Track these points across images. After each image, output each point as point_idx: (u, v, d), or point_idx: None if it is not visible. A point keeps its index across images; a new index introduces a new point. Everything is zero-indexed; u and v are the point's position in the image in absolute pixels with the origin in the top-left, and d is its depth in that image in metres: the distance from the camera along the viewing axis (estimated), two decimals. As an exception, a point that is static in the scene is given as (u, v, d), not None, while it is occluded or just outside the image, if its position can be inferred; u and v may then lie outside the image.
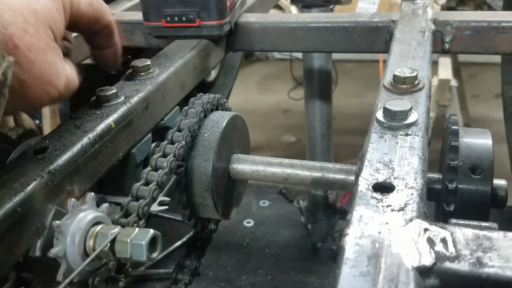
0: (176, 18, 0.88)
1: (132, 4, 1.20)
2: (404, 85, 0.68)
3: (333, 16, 1.02)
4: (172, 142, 0.71)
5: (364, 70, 4.14)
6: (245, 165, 0.79)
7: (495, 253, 0.40)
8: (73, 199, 0.55)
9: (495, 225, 0.46)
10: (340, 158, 2.51)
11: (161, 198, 0.80)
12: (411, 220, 0.44)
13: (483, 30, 0.91)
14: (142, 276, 1.47)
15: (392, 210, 0.46)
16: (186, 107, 0.76)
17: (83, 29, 0.65)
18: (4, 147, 0.84)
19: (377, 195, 0.48)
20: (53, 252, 0.52)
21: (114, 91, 0.72)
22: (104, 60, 0.72)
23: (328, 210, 1.68)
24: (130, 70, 0.80)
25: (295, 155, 2.86)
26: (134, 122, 0.71)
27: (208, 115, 0.78)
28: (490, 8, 3.90)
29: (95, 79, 0.87)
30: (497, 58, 2.31)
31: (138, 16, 1.03)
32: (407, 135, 0.58)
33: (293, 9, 3.02)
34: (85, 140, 0.62)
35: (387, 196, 0.48)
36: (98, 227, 0.56)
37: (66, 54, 0.63)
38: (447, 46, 0.94)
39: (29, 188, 0.53)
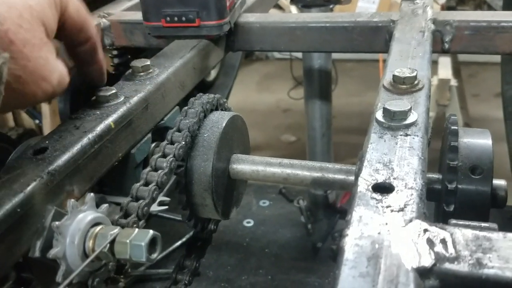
0: (175, 18, 0.88)
1: (132, 4, 1.20)
2: (404, 85, 0.68)
3: (332, 16, 1.02)
4: (171, 142, 0.71)
5: (364, 69, 4.13)
6: (245, 165, 0.79)
7: (495, 254, 0.40)
8: (72, 200, 0.55)
9: (495, 225, 0.46)
10: (340, 157, 2.51)
11: (161, 198, 0.80)
12: (410, 220, 0.44)
13: (483, 29, 0.91)
14: (142, 276, 1.47)
15: (392, 210, 0.45)
16: (186, 107, 0.76)
17: (67, 36, 0.65)
18: (4, 147, 0.84)
19: (377, 196, 0.48)
20: (52, 253, 0.52)
21: (113, 91, 0.72)
22: (89, 77, 0.72)
23: (328, 209, 1.68)
24: (130, 70, 0.80)
25: (295, 154, 2.86)
26: (133, 122, 0.71)
27: (207, 115, 0.78)
28: (490, 7, 3.89)
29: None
30: (497, 58, 2.30)
31: (137, 16, 1.03)
32: (406, 135, 0.57)
33: (293, 9, 3.02)
34: (84, 141, 0.62)
35: (386, 196, 0.47)
36: (98, 228, 0.56)
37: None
38: (446, 46, 0.94)
39: (28, 188, 0.53)
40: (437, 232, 0.42)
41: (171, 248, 1.54)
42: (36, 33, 0.55)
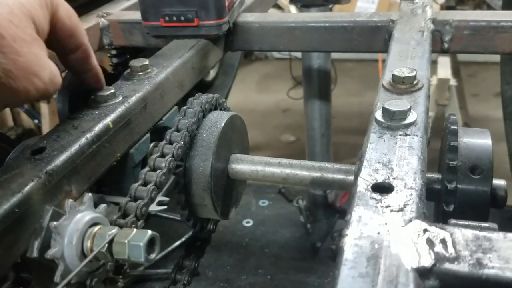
0: (174, 18, 0.88)
1: (131, 4, 1.20)
2: (403, 85, 0.68)
3: (332, 15, 1.02)
4: (170, 142, 0.71)
5: (363, 69, 4.14)
6: (244, 165, 0.79)
7: (495, 254, 0.39)
8: (70, 200, 0.55)
9: (494, 225, 0.46)
10: (340, 157, 2.51)
11: (159, 198, 0.80)
12: (410, 220, 0.44)
13: (482, 29, 0.91)
14: (141, 276, 1.47)
15: (391, 210, 0.45)
16: (185, 107, 0.76)
17: (58, 41, 0.65)
18: (2, 147, 0.83)
19: (376, 196, 0.47)
20: (50, 253, 0.52)
21: (112, 91, 0.71)
22: (87, 83, 0.72)
23: (328, 209, 1.68)
24: (128, 70, 0.80)
25: (294, 154, 2.86)
26: (132, 122, 0.71)
27: (206, 115, 0.78)
28: (489, 7, 3.90)
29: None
30: (497, 57, 2.31)
31: (136, 15, 1.03)
32: (406, 135, 0.57)
33: (292, 8, 3.02)
34: (83, 141, 0.61)
35: (386, 196, 0.47)
36: (96, 228, 0.55)
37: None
38: (446, 45, 0.94)
39: (26, 188, 0.52)
40: (437, 232, 0.42)
41: (170, 248, 1.54)
42: (26, 29, 0.55)
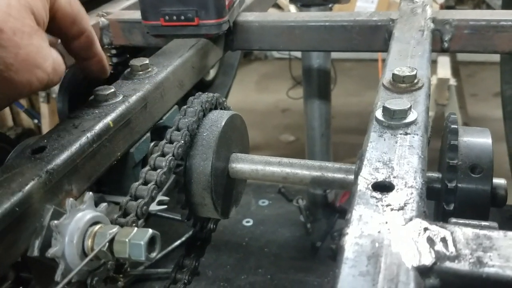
0: (174, 17, 0.88)
1: (131, 3, 1.20)
2: (403, 84, 0.68)
3: (331, 15, 1.02)
4: (170, 142, 0.71)
5: (363, 69, 4.14)
6: (244, 164, 0.79)
7: (495, 252, 0.39)
8: (71, 199, 0.55)
9: (495, 224, 0.46)
10: (339, 157, 2.51)
11: (160, 197, 0.80)
12: (410, 219, 0.44)
13: (482, 29, 0.91)
14: (141, 275, 1.47)
15: (392, 209, 0.45)
16: (185, 106, 0.76)
17: (60, 28, 0.64)
18: (2, 147, 0.83)
19: (377, 195, 0.47)
20: (51, 252, 0.52)
21: (112, 90, 0.71)
22: (90, 71, 0.72)
23: (327, 209, 1.68)
24: (129, 69, 0.80)
25: (294, 154, 2.86)
26: (132, 121, 0.71)
27: (207, 114, 0.78)
28: (489, 7, 3.90)
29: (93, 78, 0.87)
30: (496, 57, 2.31)
31: (136, 15, 1.03)
32: (406, 134, 0.57)
33: (292, 8, 3.02)
34: (83, 140, 0.61)
35: (386, 195, 0.47)
36: (97, 227, 0.55)
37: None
38: (446, 45, 0.94)
39: (27, 187, 0.52)
40: (437, 230, 0.42)
41: (170, 248, 1.54)
42: (25, 21, 0.54)
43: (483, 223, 0.46)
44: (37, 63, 0.55)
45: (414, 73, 0.68)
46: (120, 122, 0.68)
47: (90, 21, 1.05)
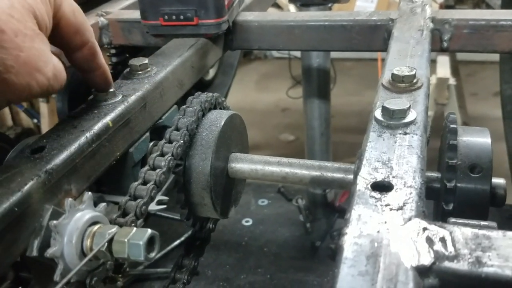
0: (174, 17, 0.87)
1: (130, 3, 1.20)
2: (403, 84, 0.68)
3: (331, 14, 1.02)
4: (170, 141, 0.71)
5: (363, 68, 4.14)
6: (243, 164, 0.79)
7: (494, 252, 0.39)
8: (70, 199, 0.55)
9: (494, 224, 0.46)
10: (339, 157, 2.51)
11: (159, 197, 0.80)
12: (409, 219, 0.44)
13: (482, 28, 0.91)
14: (140, 275, 1.47)
15: (391, 209, 0.45)
16: (184, 106, 0.76)
17: (63, 38, 0.63)
18: (1, 146, 0.83)
19: (376, 194, 0.47)
20: (50, 252, 0.52)
21: (111, 90, 0.71)
22: (94, 83, 0.71)
23: (327, 208, 1.68)
24: (128, 69, 0.80)
25: (294, 153, 2.86)
26: (131, 121, 0.71)
27: (206, 114, 0.78)
28: (488, 6, 3.91)
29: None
30: (496, 57, 2.31)
31: (135, 14, 1.03)
32: (405, 133, 0.57)
33: (291, 7, 3.02)
34: (82, 139, 0.61)
35: (385, 195, 0.47)
36: (96, 227, 0.55)
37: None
38: (445, 44, 0.94)
39: (26, 187, 0.52)
40: (436, 230, 0.42)
41: (169, 247, 1.54)
42: (28, 23, 0.54)
43: (482, 223, 0.46)
44: (37, 66, 0.55)
45: (413, 72, 0.68)
46: (120, 122, 0.68)
47: (90, 20, 1.06)
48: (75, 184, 0.60)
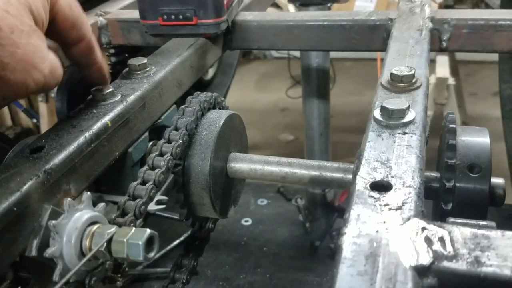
0: (173, 16, 0.87)
1: (129, 3, 1.20)
2: (402, 84, 0.68)
3: (330, 14, 1.02)
4: (169, 141, 0.71)
5: (362, 68, 4.14)
6: (242, 163, 0.79)
7: (493, 252, 0.39)
8: (69, 199, 0.55)
9: (493, 223, 0.46)
10: (338, 156, 2.51)
11: (158, 197, 0.80)
12: (408, 219, 0.44)
13: (481, 28, 0.91)
14: (139, 275, 1.47)
15: (390, 209, 0.45)
16: (183, 106, 0.76)
17: (59, 32, 0.62)
18: (1, 146, 0.83)
19: (375, 194, 0.47)
20: (49, 252, 0.52)
21: (110, 89, 0.71)
22: (90, 78, 0.71)
23: (326, 208, 1.68)
24: (127, 69, 0.80)
25: (293, 153, 2.87)
26: (131, 121, 0.71)
27: (205, 113, 0.78)
28: (487, 6, 3.91)
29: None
30: (495, 56, 2.31)
31: (135, 14, 1.03)
32: (404, 133, 0.57)
33: (291, 7, 3.02)
34: (81, 139, 0.61)
35: (384, 195, 0.47)
36: (95, 227, 0.55)
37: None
38: (444, 44, 0.94)
39: (25, 187, 0.52)
40: (435, 230, 0.42)
41: (169, 247, 1.54)
42: (24, 19, 0.53)
43: (481, 222, 0.46)
44: (34, 63, 0.54)
45: (412, 72, 0.68)
46: (119, 122, 0.68)
47: (89, 20, 1.06)
48: (74, 184, 0.60)
